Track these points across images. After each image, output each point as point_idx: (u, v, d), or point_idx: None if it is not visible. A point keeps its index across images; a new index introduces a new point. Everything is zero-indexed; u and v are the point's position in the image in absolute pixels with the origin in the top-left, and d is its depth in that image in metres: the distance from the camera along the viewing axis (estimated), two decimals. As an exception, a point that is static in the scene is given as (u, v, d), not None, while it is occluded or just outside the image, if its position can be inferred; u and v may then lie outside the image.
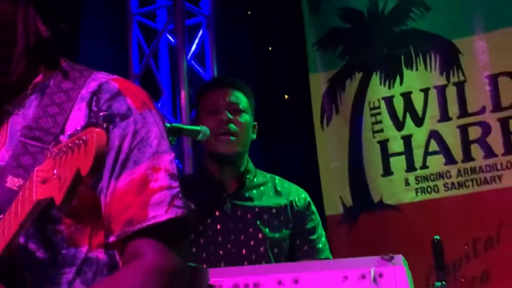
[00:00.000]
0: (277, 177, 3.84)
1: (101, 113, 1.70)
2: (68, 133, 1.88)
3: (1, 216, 1.72)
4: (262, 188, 3.75)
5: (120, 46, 5.73)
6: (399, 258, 2.82)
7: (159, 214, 1.79)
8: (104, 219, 1.84)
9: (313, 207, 3.81)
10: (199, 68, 5.91)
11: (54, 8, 2.03)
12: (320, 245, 3.72)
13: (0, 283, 1.73)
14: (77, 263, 1.85)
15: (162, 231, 1.79)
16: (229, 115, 3.69)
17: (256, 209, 3.63)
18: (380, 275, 2.78)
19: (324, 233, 3.85)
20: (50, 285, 1.83)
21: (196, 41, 5.95)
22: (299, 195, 3.76)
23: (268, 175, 3.84)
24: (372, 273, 2.77)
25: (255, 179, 3.74)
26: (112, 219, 1.82)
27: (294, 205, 3.73)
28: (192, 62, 5.87)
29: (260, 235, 3.62)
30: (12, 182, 1.81)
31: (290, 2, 5.96)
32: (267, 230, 3.62)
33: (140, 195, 1.82)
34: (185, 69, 5.74)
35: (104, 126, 1.46)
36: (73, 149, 1.46)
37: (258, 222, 3.61)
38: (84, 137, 1.44)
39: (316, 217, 3.79)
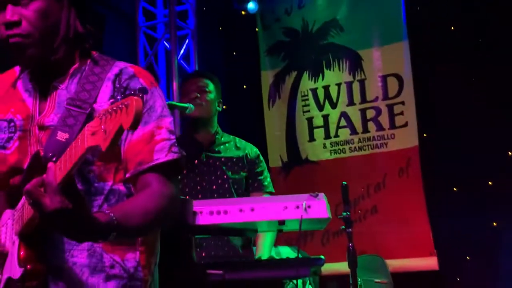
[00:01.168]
0: (237, 138, 3.82)
1: (138, 86, 1.71)
2: (98, 104, 1.87)
3: (54, 159, 1.66)
4: (227, 144, 3.73)
5: (131, 48, 5.65)
6: (322, 195, 2.82)
7: (161, 157, 1.81)
8: (123, 162, 1.84)
9: (261, 158, 3.80)
10: (186, 66, 5.84)
11: (87, 14, 1.96)
12: (266, 183, 3.72)
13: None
14: (104, 193, 1.84)
15: (163, 168, 1.81)
16: (197, 94, 3.67)
17: (222, 159, 3.63)
18: (309, 206, 2.76)
19: (269, 174, 3.82)
20: None
21: (184, 46, 5.86)
22: (252, 149, 3.76)
23: (231, 136, 3.81)
24: (304, 204, 2.76)
25: (222, 139, 3.72)
26: (128, 161, 1.82)
27: (248, 156, 3.72)
28: (181, 61, 5.81)
29: (225, 176, 3.61)
30: (61, 136, 1.78)
31: (250, 23, 5.90)
32: (229, 173, 3.62)
33: (148, 144, 1.83)
34: (176, 66, 5.68)
35: (140, 96, 1.44)
36: (117, 111, 1.43)
37: (223, 167, 3.61)
38: (126, 103, 1.43)
39: (263, 164, 3.78)
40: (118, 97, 1.51)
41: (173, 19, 5.76)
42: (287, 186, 5.47)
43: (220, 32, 6.18)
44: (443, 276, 4.92)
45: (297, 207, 2.74)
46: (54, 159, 1.65)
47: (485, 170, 4.91)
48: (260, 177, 3.70)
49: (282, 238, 4.17)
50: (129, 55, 5.56)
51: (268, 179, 3.77)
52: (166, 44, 5.93)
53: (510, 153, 4.98)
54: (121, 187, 1.86)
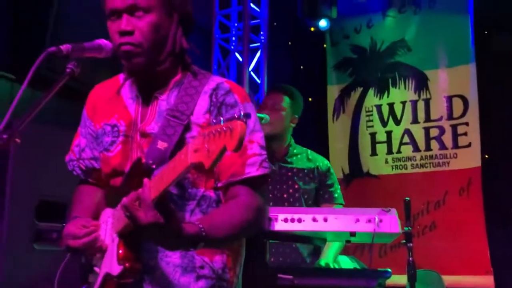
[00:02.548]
0: (309, 150, 3.79)
1: (242, 112, 1.64)
2: (195, 117, 1.88)
3: (154, 166, 1.73)
4: (299, 156, 3.71)
5: (206, 60, 5.75)
6: (394, 211, 2.83)
7: (252, 171, 1.84)
8: (215, 172, 1.84)
9: (332, 170, 3.77)
10: (256, 78, 5.89)
11: (190, 33, 1.98)
12: (336, 195, 3.70)
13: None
14: (197, 198, 1.87)
15: (253, 182, 1.84)
16: (270, 112, 3.61)
17: (294, 169, 3.62)
18: (381, 221, 2.79)
19: (339, 187, 3.80)
20: (179, 211, 1.83)
21: (255, 59, 5.91)
22: (323, 162, 3.73)
23: (304, 148, 3.79)
24: (376, 219, 2.78)
25: (294, 150, 3.70)
26: (220, 172, 1.84)
27: (320, 168, 3.69)
28: (252, 73, 5.87)
29: (296, 186, 3.60)
30: (161, 144, 1.81)
31: (318, 39, 5.93)
32: (301, 183, 3.61)
33: (240, 158, 1.84)
34: (247, 78, 5.76)
35: (244, 121, 1.44)
36: (221, 133, 1.43)
37: (295, 178, 3.60)
38: (230, 126, 1.42)
39: (334, 177, 3.75)
40: (221, 118, 1.52)
41: (247, 32, 5.84)
42: (347, 197, 5.22)
43: (289, 47, 6.19)
44: None
45: (369, 220, 2.77)
46: (154, 166, 1.73)
47: None
48: (330, 189, 3.69)
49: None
50: (203, 67, 5.72)
51: (339, 191, 3.76)
52: (238, 56, 5.95)
53: None
54: (211, 193, 1.89)
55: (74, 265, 1.95)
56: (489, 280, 4.82)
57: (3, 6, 4.26)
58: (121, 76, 2.04)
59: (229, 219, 1.78)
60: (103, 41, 1.90)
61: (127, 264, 1.74)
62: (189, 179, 1.85)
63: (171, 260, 1.84)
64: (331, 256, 3.53)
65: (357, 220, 2.79)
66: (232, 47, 6.00)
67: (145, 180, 1.63)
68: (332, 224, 2.81)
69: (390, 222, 2.78)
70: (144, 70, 1.89)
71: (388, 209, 2.81)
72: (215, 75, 2.00)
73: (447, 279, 4.64)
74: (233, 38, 6.03)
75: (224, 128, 1.43)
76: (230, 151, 1.42)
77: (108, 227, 1.84)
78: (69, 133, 2.19)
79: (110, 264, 1.79)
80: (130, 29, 1.84)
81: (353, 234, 2.81)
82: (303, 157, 3.74)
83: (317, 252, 3.61)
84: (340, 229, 2.82)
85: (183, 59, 1.95)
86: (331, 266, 3.45)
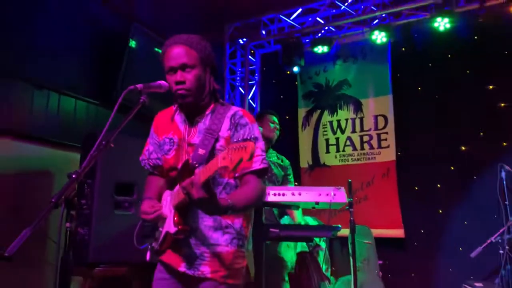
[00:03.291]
0: (276, 153, 3.68)
1: (252, 135, 1.75)
2: (221, 133, 1.82)
3: (197, 165, 1.70)
4: (272, 154, 3.61)
5: (220, 92, 5.76)
6: (342, 188, 2.88)
7: (256, 166, 1.81)
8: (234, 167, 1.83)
9: (290, 166, 3.65)
10: (252, 103, 5.94)
11: (216, 78, 1.95)
12: (292, 181, 3.65)
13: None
14: (223, 184, 1.84)
15: (257, 173, 1.82)
16: (271, 125, 3.58)
17: (272, 164, 3.51)
18: (335, 194, 2.83)
19: (293, 177, 3.65)
20: None
21: (252, 91, 5.95)
22: (286, 161, 3.66)
23: (274, 151, 3.64)
24: (332, 193, 2.82)
25: (270, 150, 3.59)
26: (237, 167, 1.75)
27: (284, 164, 3.64)
28: (250, 101, 5.91)
29: (273, 172, 3.51)
30: (201, 151, 1.79)
31: (292, 79, 5.84)
32: (276, 171, 3.53)
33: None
34: (247, 104, 5.88)
35: (254, 141, 1.45)
36: (239, 149, 1.42)
37: (272, 166, 3.49)
38: (245, 145, 1.42)
39: (291, 170, 3.66)
40: (240, 138, 1.62)
41: (247, 74, 5.93)
42: (311, 180, 5.46)
43: (274, 83, 6.14)
44: (406, 240, 4.91)
45: (327, 194, 2.83)
46: (196, 165, 1.71)
47: (436, 177, 4.88)
48: (289, 177, 3.66)
49: (305, 211, 4.25)
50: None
51: (292, 180, 3.67)
52: (241, 89, 5.99)
53: (451, 167, 4.86)
54: (232, 181, 1.86)
55: (144, 227, 1.92)
56: (400, 232, 4.91)
57: (93, 54, 4.19)
58: (173, 107, 1.98)
59: (245, 196, 1.75)
60: (162, 82, 1.87)
61: (180, 226, 1.73)
62: (217, 172, 1.72)
63: (206, 223, 1.81)
64: (300, 219, 3.56)
65: (320, 194, 2.84)
66: (237, 84, 6.01)
67: (197, 170, 1.62)
68: (304, 197, 2.87)
69: (340, 195, 2.85)
70: (193, 105, 1.86)
71: (339, 187, 2.86)
72: (234, 106, 1.94)
73: (374, 231, 4.71)
74: (238, 78, 6.03)
75: (241, 146, 1.44)
76: (245, 160, 1.43)
77: (167, 203, 1.81)
78: (140, 141, 2.18)
79: (169, 226, 1.77)
80: (183, 79, 1.82)
81: (317, 203, 2.88)
82: (273, 155, 3.65)
83: (281, 215, 3.56)
84: (309, 200, 2.87)
85: (215, 96, 1.93)
86: (302, 223, 3.51)
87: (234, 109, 1.90)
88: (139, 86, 1.84)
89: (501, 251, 3.45)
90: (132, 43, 4.22)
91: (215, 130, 1.83)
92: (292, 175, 3.68)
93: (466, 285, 3.99)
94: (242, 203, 1.72)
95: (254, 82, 6.04)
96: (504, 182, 3.72)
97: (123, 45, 4.17)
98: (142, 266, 3.03)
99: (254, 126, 1.88)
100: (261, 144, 1.86)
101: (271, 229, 2.89)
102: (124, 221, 3.14)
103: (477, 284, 3.89)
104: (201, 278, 1.79)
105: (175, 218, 1.74)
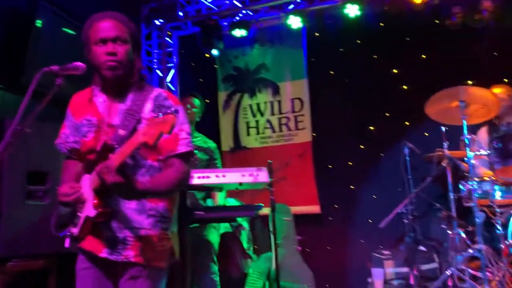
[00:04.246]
0: (203, 136, 3.69)
1: (172, 109, 1.72)
2: (143, 114, 1.80)
3: (117, 147, 1.70)
4: (198, 138, 3.62)
5: None
6: (265, 169, 2.94)
7: (182, 148, 1.82)
8: (158, 150, 1.81)
9: (217, 150, 3.71)
10: (171, 87, 5.68)
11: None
12: (219, 165, 3.68)
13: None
14: (146, 167, 1.83)
15: (183, 156, 1.83)
16: (188, 107, 3.48)
17: (195, 146, 3.12)
18: (257, 175, 2.89)
19: (220, 159, 3.70)
20: (134, 175, 1.78)
21: (170, 74, 5.76)
22: (212, 144, 3.69)
23: (200, 134, 3.65)
24: (255, 174, 2.88)
25: (195, 133, 3.58)
26: (162, 149, 1.80)
27: (211, 147, 3.67)
28: (168, 84, 5.70)
29: (196, 157, 3.45)
30: (121, 132, 1.77)
31: (212, 62, 5.78)
32: (200, 155, 3.54)
33: (175, 141, 1.81)
34: (166, 87, 5.57)
35: (174, 114, 1.49)
36: (159, 122, 1.45)
37: (196, 151, 3.29)
38: (165, 118, 1.46)
39: (219, 155, 3.71)
40: (160, 113, 1.53)
41: (164, 57, 5.77)
42: (233, 162, 5.45)
43: (193, 67, 6.08)
44: (322, 216, 5.13)
45: (250, 175, 2.88)
46: (116, 146, 1.70)
47: (347, 156, 5.14)
48: (216, 162, 3.67)
49: (228, 193, 4.26)
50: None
51: (220, 165, 3.71)
52: (158, 72, 5.77)
53: (361, 146, 5.12)
54: (155, 164, 1.84)
55: (62, 215, 1.86)
56: (317, 208, 5.11)
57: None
58: (92, 88, 1.94)
59: (167, 179, 1.77)
60: (79, 63, 1.84)
61: (100, 209, 1.72)
62: (140, 153, 1.79)
63: (129, 206, 1.79)
64: (222, 200, 3.61)
65: (243, 175, 2.89)
66: (154, 66, 5.80)
67: (110, 155, 1.64)
68: (228, 178, 2.91)
69: (263, 175, 2.91)
70: (121, 79, 1.83)
71: (261, 168, 2.92)
72: (157, 88, 1.93)
73: (293, 209, 4.90)
74: (154, 60, 5.82)
75: (162, 119, 1.47)
76: (166, 134, 1.46)
77: (86, 186, 1.79)
78: (52, 127, 2.15)
79: (89, 210, 1.75)
80: (114, 51, 1.80)
81: (240, 184, 2.92)
82: (198, 139, 3.65)
83: (205, 199, 3.57)
84: (232, 181, 2.91)
85: (141, 75, 1.91)
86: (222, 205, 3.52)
87: (157, 90, 1.89)
88: (54, 68, 1.80)
89: (405, 221, 3.77)
90: (38, 23, 3.97)
91: (136, 111, 1.82)
92: (219, 160, 3.68)
93: (375, 254, 4.32)
94: (163, 186, 1.74)
95: (172, 65, 5.85)
96: (408, 158, 4.02)
97: (29, 25, 3.91)
98: (60, 257, 3.06)
99: (179, 108, 1.87)
100: (186, 127, 1.86)
101: (196, 212, 2.91)
102: (38, 212, 3.03)
103: (385, 252, 4.28)
104: (125, 263, 1.78)
105: (95, 201, 1.72)
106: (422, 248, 4.02)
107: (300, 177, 5.17)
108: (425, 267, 3.89)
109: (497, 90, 3.77)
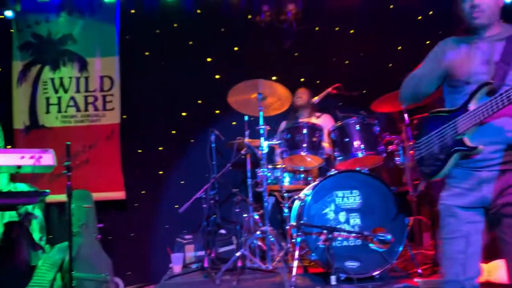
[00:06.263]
0: None
1: None
2: None
3: None
4: None
5: None
6: (51, 150, 2.73)
7: None
8: None
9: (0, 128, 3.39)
10: None
11: None
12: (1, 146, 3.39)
13: None
14: None
15: None
16: None
17: None
18: (41, 157, 2.65)
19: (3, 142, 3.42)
20: None
21: None
22: None
23: None
24: (37, 156, 2.62)
25: None
26: None
27: None
28: None
29: None
30: None
31: (7, 25, 5.19)
32: None
33: None
34: None
35: None
36: None
37: None
38: None
39: (2, 133, 3.43)
40: None
41: None
42: (27, 143, 5.10)
43: None
44: (128, 201, 5.05)
45: (32, 157, 2.68)
46: None
47: (158, 140, 5.14)
48: None
49: (18, 177, 4.00)
50: None
51: (2, 144, 3.48)
52: None
53: (173, 132, 5.13)
54: None
55: None
56: (121, 194, 5.02)
57: None
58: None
59: None
60: None
61: None
62: None
63: None
64: (4, 186, 3.38)
65: (23, 157, 2.69)
66: None
67: None
68: (3, 160, 2.67)
69: (48, 158, 2.71)
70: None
71: (47, 149, 2.72)
72: None
73: (95, 195, 4.59)
74: None
75: None
76: None
77: None
78: None
79: None
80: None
81: (19, 167, 2.70)
82: None
83: None
84: (10, 164, 2.68)
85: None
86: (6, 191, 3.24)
87: None
88: None
89: (204, 205, 3.90)
90: None
91: None
92: (2, 138, 3.48)
93: (179, 238, 4.49)
94: None
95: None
96: (214, 145, 4.23)
97: None
98: None
99: None
100: None
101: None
102: None
103: (187, 236, 4.44)
104: None
105: None
106: (222, 231, 4.19)
107: (105, 161, 5.06)
108: (222, 249, 4.07)
109: (300, 89, 4.48)
